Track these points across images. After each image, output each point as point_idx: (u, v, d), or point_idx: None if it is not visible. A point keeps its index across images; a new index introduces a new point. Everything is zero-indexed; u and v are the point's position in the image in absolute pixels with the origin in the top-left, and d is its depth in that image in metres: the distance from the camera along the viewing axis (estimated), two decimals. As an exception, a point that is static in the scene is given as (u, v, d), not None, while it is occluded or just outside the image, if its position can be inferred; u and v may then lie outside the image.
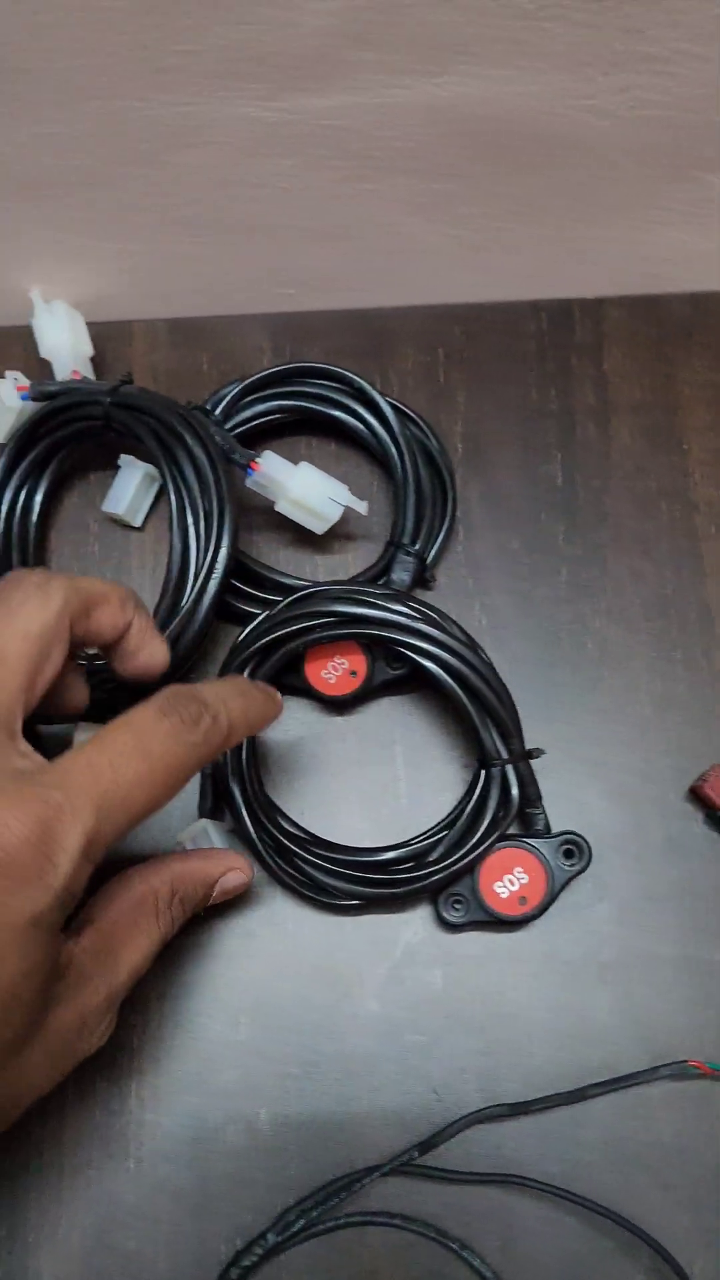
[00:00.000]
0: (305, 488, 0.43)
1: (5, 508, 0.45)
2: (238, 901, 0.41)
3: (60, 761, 0.29)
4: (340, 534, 0.47)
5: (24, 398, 0.45)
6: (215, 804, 0.41)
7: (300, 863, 0.40)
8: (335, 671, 0.43)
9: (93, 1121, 0.39)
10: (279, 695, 0.37)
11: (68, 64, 0.36)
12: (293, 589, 0.44)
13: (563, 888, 0.40)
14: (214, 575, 0.41)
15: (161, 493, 0.47)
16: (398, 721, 0.44)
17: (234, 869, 0.37)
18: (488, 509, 0.46)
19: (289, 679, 0.43)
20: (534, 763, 0.41)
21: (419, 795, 0.43)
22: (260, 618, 0.41)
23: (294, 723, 0.44)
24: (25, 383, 0.45)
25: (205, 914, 0.39)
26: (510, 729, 0.40)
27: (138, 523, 0.47)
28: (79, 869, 0.28)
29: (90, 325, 0.48)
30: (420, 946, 0.41)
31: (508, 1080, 0.39)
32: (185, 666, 0.42)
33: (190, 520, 0.42)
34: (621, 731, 0.43)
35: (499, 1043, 0.40)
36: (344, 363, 0.48)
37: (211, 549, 0.42)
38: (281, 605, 0.41)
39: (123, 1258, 0.38)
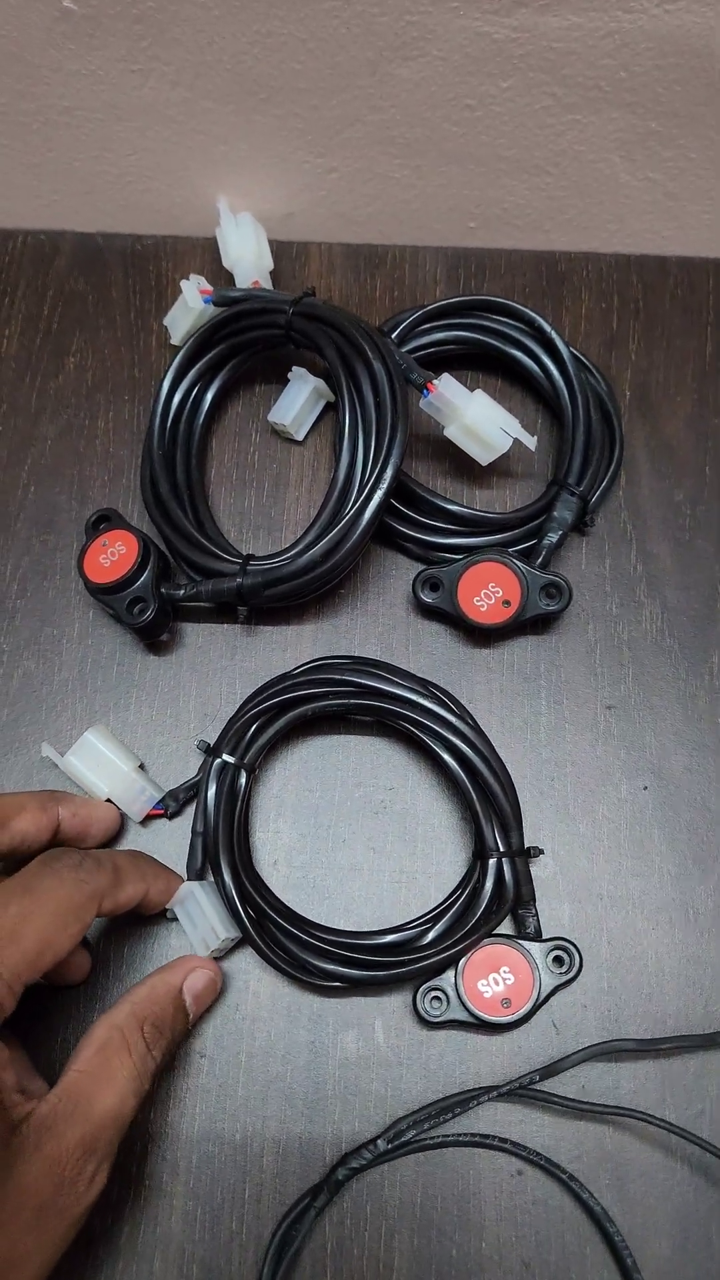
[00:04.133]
0: (479, 415, 0.43)
1: (174, 408, 0.46)
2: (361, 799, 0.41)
3: None
4: (499, 470, 0.46)
5: (206, 301, 0.46)
6: (204, 867, 0.40)
7: (285, 939, 0.38)
8: (488, 599, 0.42)
9: (207, 1011, 0.39)
10: (179, 876, 0.39)
11: (314, -42, 0.37)
12: (455, 515, 0.44)
13: (549, 996, 0.38)
14: (380, 488, 0.41)
15: (326, 411, 0.48)
16: (542, 658, 0.44)
17: (194, 969, 0.37)
18: (652, 458, 0.46)
19: (437, 601, 0.43)
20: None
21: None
22: (277, 676, 0.42)
23: (437, 649, 0.44)
24: (208, 287, 0.46)
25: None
26: (511, 822, 0.39)
27: (300, 436, 0.47)
28: None
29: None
30: (551, 880, 0.40)
31: (630, 1022, 0.39)
32: (339, 579, 0.42)
33: (361, 434, 0.42)
34: (775, 690, 0.43)
35: (626, 984, 0.39)
36: (518, 302, 0.48)
37: (380, 463, 0.41)
38: (302, 667, 0.42)
39: (230, 1147, 0.38)
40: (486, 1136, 0.37)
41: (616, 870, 0.41)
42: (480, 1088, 0.37)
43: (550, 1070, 0.37)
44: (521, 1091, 0.37)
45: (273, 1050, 0.39)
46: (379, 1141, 0.37)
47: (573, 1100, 0.37)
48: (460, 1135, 0.37)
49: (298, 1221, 0.36)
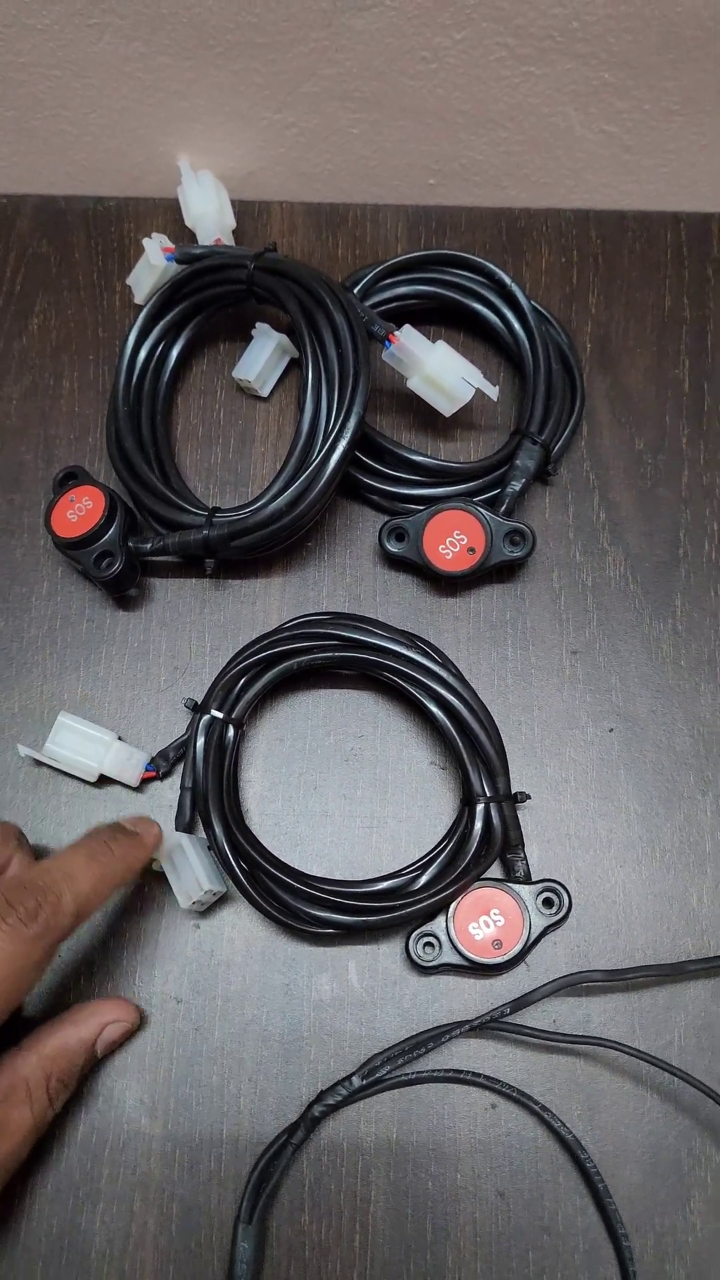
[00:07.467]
0: (441, 365, 0.43)
1: (140, 365, 0.46)
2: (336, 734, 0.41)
3: None
4: (462, 422, 0.47)
5: (169, 259, 0.46)
6: (192, 821, 0.40)
7: (277, 889, 0.39)
8: (454, 547, 0.43)
9: (183, 957, 0.39)
10: (154, 829, 0.38)
11: None
12: (419, 466, 0.44)
13: (540, 938, 0.39)
14: (343, 437, 0.41)
15: (290, 367, 0.48)
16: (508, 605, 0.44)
17: (110, 1022, 0.37)
18: (613, 408, 0.47)
19: (403, 551, 0.43)
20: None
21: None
22: (264, 632, 0.42)
23: (404, 599, 0.44)
24: (171, 245, 0.46)
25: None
26: (497, 768, 0.40)
27: (265, 393, 0.47)
28: None
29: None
30: (520, 821, 0.41)
31: (600, 958, 0.39)
32: (306, 529, 0.43)
33: (324, 384, 0.42)
34: (736, 631, 0.43)
35: (593, 920, 0.40)
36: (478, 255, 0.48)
37: (343, 414, 0.42)
38: (288, 622, 0.42)
39: (207, 1089, 0.38)
40: (460, 1071, 0.38)
41: (584, 811, 0.41)
42: (452, 1023, 0.38)
43: (520, 1002, 0.38)
44: (494, 1026, 0.38)
45: (248, 993, 0.39)
46: (354, 1079, 0.37)
47: (544, 1032, 0.38)
48: (434, 1071, 0.38)
49: (275, 1158, 0.37)
